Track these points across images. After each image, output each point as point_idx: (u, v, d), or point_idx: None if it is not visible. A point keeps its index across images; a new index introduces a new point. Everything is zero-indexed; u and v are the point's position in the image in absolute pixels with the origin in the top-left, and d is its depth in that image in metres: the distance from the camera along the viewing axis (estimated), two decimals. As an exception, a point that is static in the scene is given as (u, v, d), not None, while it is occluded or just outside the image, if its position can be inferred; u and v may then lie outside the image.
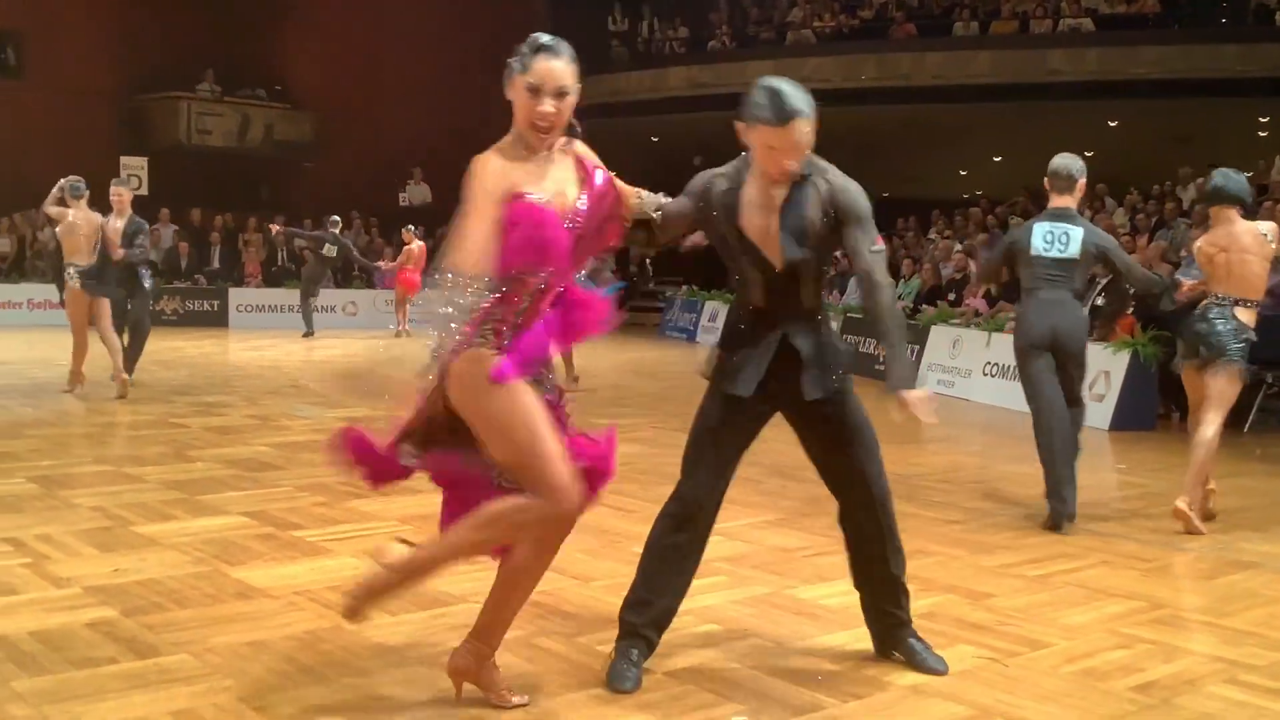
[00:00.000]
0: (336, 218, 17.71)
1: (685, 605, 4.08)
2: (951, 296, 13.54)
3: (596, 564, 4.65)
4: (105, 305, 9.57)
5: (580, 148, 3.20)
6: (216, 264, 20.27)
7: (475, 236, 2.91)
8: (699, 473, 3.52)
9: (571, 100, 3.04)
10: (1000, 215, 17.43)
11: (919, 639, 3.61)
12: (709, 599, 4.20)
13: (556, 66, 2.99)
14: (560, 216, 3.02)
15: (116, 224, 9.62)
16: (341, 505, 5.64)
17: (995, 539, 5.39)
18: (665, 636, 3.68)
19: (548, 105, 3.00)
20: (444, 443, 3.09)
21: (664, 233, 3.44)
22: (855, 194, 3.35)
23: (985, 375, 11.59)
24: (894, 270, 15.59)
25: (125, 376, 9.50)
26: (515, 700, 3.17)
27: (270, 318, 19.36)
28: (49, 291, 18.87)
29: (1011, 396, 10.97)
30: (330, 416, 8.90)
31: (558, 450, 2.99)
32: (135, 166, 18.03)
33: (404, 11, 23.23)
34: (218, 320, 19.12)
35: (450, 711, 3.13)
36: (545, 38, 3.04)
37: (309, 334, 17.07)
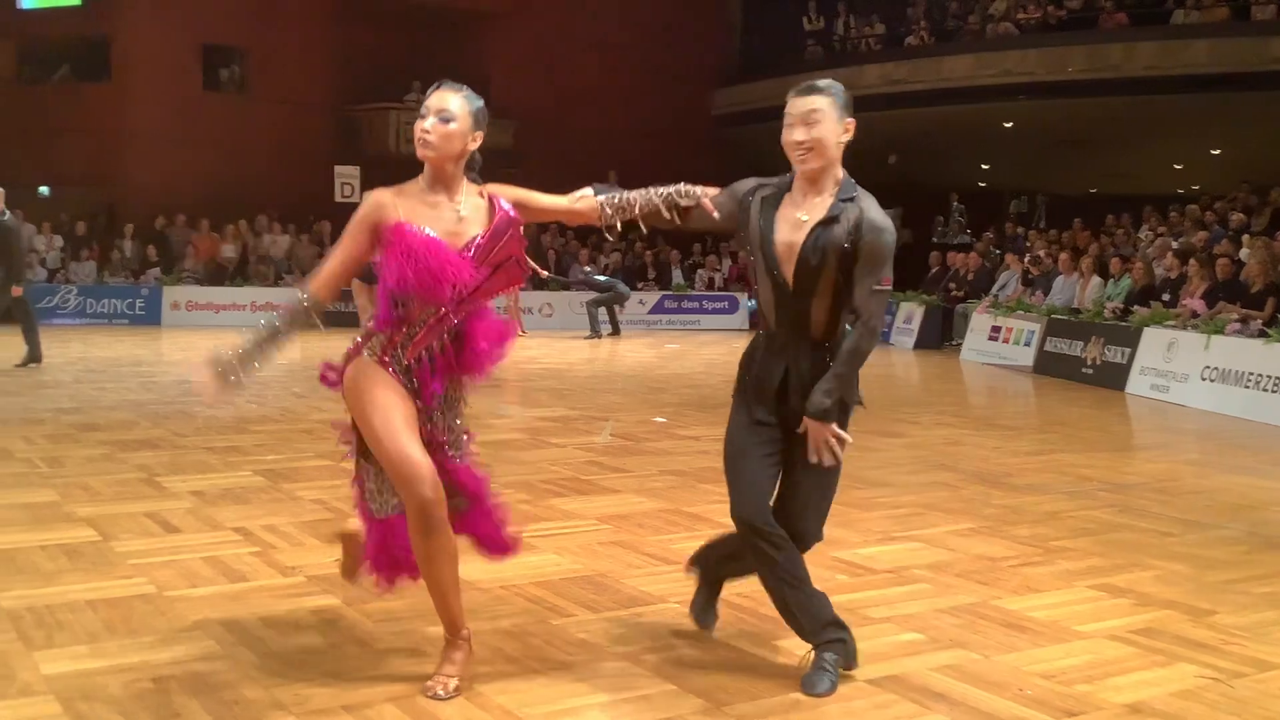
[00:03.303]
0: (586, 268, 19.97)
1: (886, 613, 4.05)
2: (1166, 297, 12.90)
3: (795, 568, 4.62)
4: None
5: (497, 189, 3.41)
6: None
7: (330, 263, 3.27)
8: (743, 491, 3.42)
9: (455, 127, 3.30)
10: (1219, 211, 16.51)
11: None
12: (911, 607, 4.14)
13: (444, 94, 3.34)
14: (448, 247, 3.21)
15: None
16: (544, 503, 5.79)
17: (1217, 553, 5.11)
18: (867, 645, 3.66)
19: (425, 121, 3.29)
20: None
21: (692, 221, 3.56)
22: (883, 232, 3.31)
23: (1203, 380, 11.00)
24: (1103, 269, 14.97)
25: None
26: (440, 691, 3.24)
27: (472, 319, 20.01)
28: (272, 294, 20.04)
29: (1231, 402, 10.41)
30: (531, 416, 9.14)
31: (407, 436, 3.18)
32: (348, 175, 18.91)
33: (599, 20, 23.66)
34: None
35: (647, 705, 3.17)
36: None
37: (594, 336, 18.21)
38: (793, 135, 3.33)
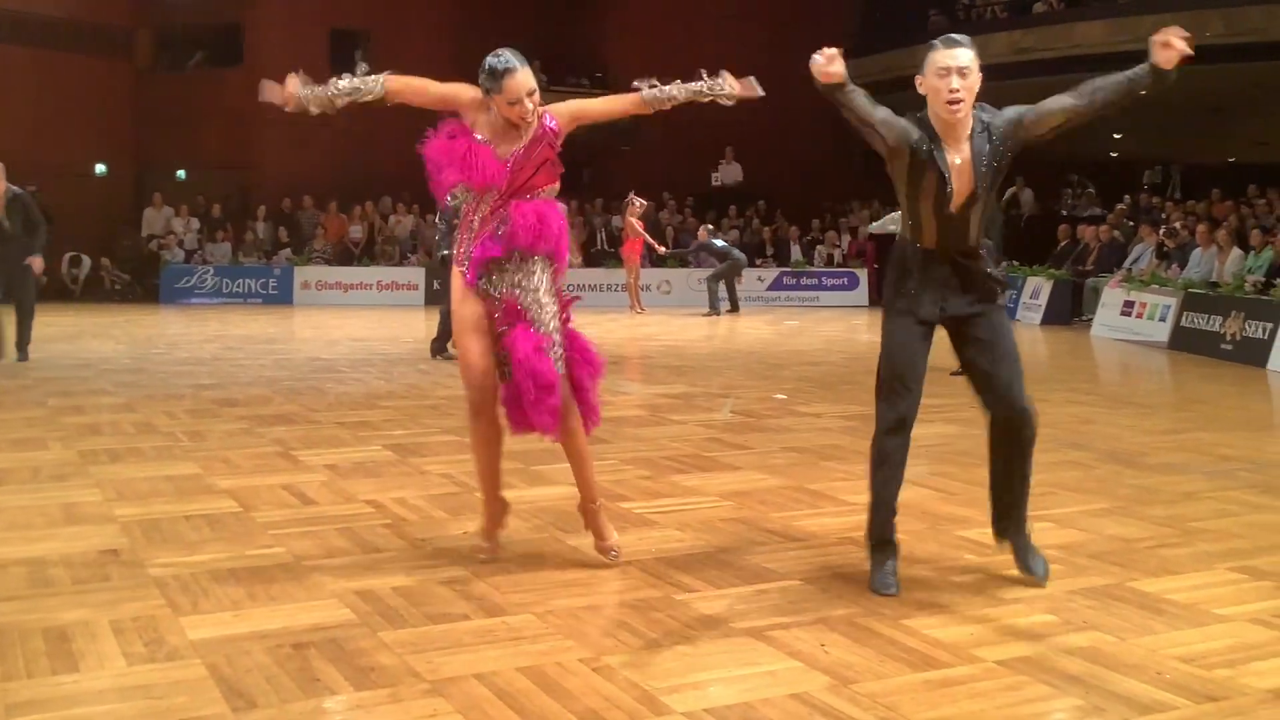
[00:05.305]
0: (709, 226, 19.89)
1: (1017, 594, 3.98)
2: (1311, 270, 12.35)
3: (921, 546, 4.57)
4: None
5: (550, 107, 4.11)
6: (541, 245, 21.28)
7: (423, 82, 4.14)
8: (908, 389, 3.89)
9: (537, 93, 3.99)
10: (1370, 179, 15.72)
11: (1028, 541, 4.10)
12: (1043, 588, 4.05)
13: (520, 79, 3.95)
14: (491, 152, 3.97)
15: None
16: (665, 479, 5.81)
17: (1368, 537, 4.89)
18: (996, 625, 3.63)
19: (526, 104, 3.97)
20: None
21: (861, 117, 3.82)
22: (1011, 108, 3.83)
23: (1352, 356, 10.51)
24: (1242, 241, 14.40)
25: None
26: (612, 551, 4.26)
27: (592, 296, 20.14)
28: (397, 274, 20.49)
29: (1384, 380, 9.93)
30: (651, 393, 9.19)
31: (472, 340, 4.06)
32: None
33: (716, -5, 23.55)
34: (543, 299, 19.92)
35: (771, 681, 3.18)
36: (500, 62, 3.96)
37: (713, 313, 18.08)
38: (949, 83, 3.70)
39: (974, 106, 3.81)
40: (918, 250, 3.92)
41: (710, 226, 19.64)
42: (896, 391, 3.90)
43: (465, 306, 4.10)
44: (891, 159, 3.88)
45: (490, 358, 4.09)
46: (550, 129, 4.05)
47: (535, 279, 4.06)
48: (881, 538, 4.06)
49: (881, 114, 3.80)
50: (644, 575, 4.17)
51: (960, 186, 3.80)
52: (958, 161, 3.79)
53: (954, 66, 3.70)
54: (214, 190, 22.11)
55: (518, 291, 4.04)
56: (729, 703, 3.06)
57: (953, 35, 3.82)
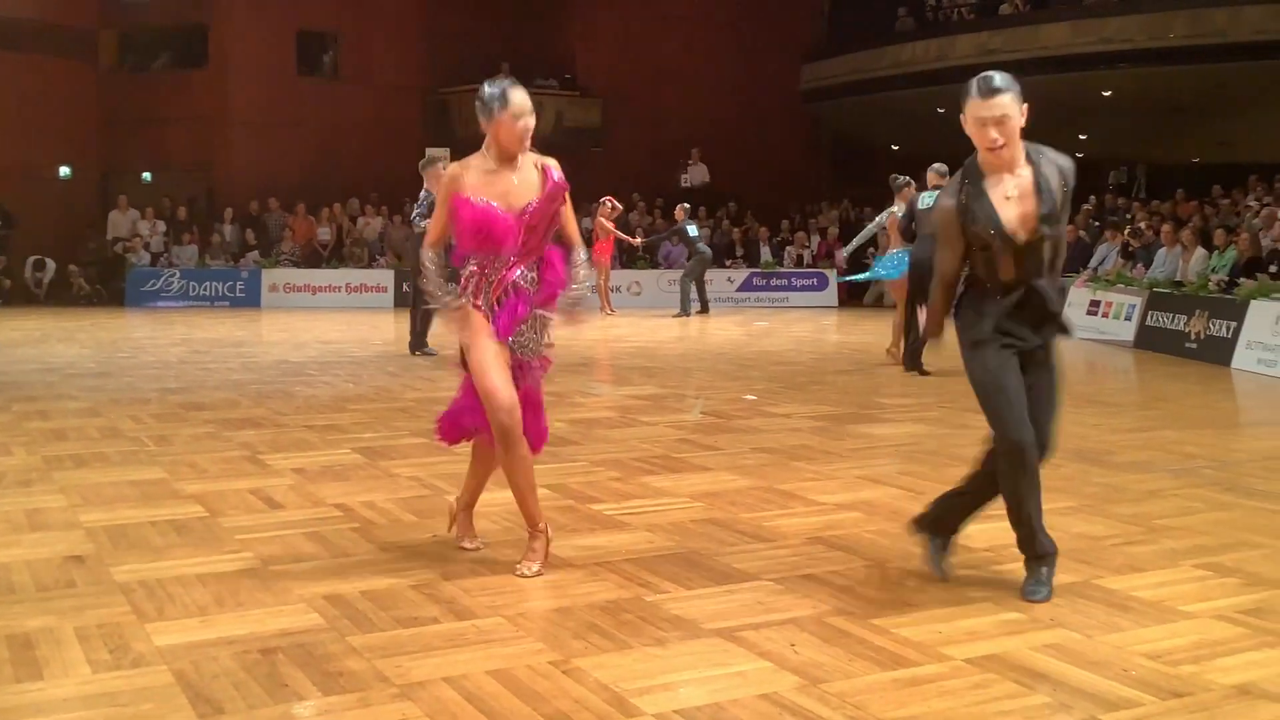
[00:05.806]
0: (686, 206, 19.00)
1: (984, 591, 4.01)
2: (1273, 268, 12.49)
3: (893, 546, 4.59)
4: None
5: (546, 160, 4.17)
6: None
7: (435, 227, 4.20)
8: (1016, 415, 3.82)
9: (533, 118, 4.09)
10: (1330, 179, 15.92)
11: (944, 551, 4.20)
12: (1010, 585, 4.07)
13: (523, 95, 4.07)
14: (502, 211, 4.03)
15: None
16: (635, 480, 5.81)
17: (1330, 533, 4.95)
18: (966, 624, 3.65)
19: (530, 122, 4.05)
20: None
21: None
22: (1073, 167, 3.88)
23: (1313, 354, 10.63)
24: (1206, 241, 14.55)
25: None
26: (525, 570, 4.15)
27: (561, 298, 20.11)
28: (366, 276, 20.39)
29: (1345, 377, 10.04)
30: (621, 394, 9.19)
31: (497, 372, 4.04)
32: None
33: (685, -4, 23.56)
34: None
35: (741, 681, 3.18)
36: (502, 83, 4.07)
37: (683, 314, 17.91)
38: (988, 134, 3.73)
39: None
40: (993, 288, 3.88)
41: (687, 206, 19.36)
42: (1002, 411, 3.84)
43: (487, 343, 4.10)
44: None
45: (514, 388, 4.09)
46: (561, 185, 4.13)
47: (540, 331, 4.24)
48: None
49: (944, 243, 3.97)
50: (614, 577, 4.16)
51: (1023, 211, 3.77)
52: (1012, 192, 3.79)
53: (991, 118, 3.71)
54: (180, 192, 21.93)
55: (526, 344, 4.18)
56: (699, 704, 3.07)
57: (990, 79, 3.74)
